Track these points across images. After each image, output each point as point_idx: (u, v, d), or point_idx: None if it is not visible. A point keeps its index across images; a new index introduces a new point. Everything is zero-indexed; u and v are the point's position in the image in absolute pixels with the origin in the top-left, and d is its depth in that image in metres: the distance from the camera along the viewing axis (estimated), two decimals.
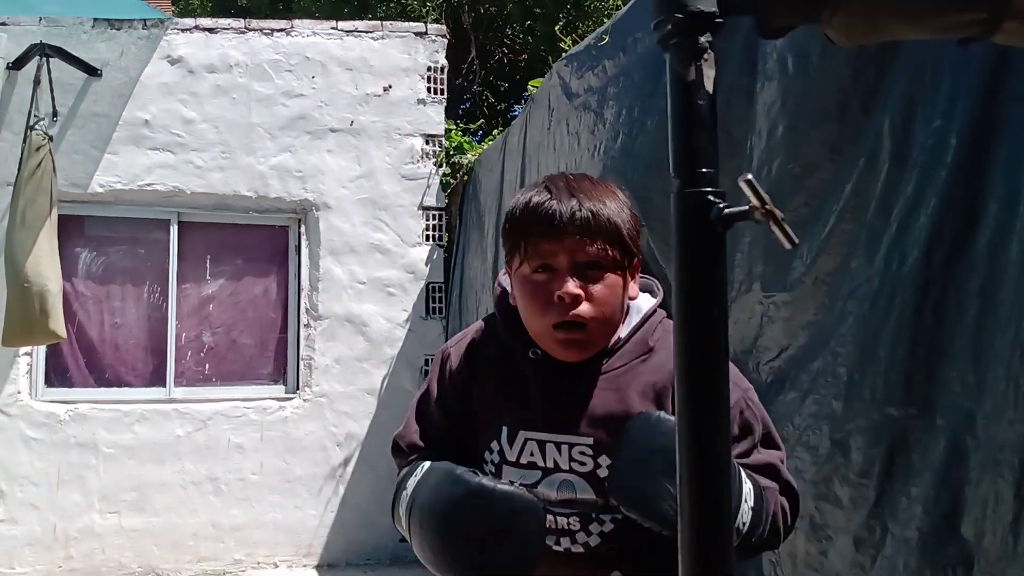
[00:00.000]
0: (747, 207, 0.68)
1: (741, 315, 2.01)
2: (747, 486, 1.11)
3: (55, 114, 4.51)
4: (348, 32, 5.17)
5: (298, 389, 5.00)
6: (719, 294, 0.74)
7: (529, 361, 1.24)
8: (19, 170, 4.15)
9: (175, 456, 4.70)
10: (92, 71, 4.67)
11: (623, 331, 1.24)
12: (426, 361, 5.19)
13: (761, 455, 1.19)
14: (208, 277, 5.02)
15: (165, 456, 4.68)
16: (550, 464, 1.21)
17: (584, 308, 1.16)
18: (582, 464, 1.20)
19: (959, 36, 0.66)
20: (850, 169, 1.66)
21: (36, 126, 4.24)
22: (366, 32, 5.20)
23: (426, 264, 5.21)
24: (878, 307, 1.55)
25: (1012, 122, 1.31)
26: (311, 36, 5.10)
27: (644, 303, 1.28)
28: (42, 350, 4.63)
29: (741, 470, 1.12)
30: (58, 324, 4.06)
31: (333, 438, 4.96)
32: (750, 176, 0.66)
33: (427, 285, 5.20)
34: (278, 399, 4.95)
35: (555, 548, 1.20)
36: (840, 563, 1.60)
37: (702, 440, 0.76)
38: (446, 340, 5.28)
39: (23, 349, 4.50)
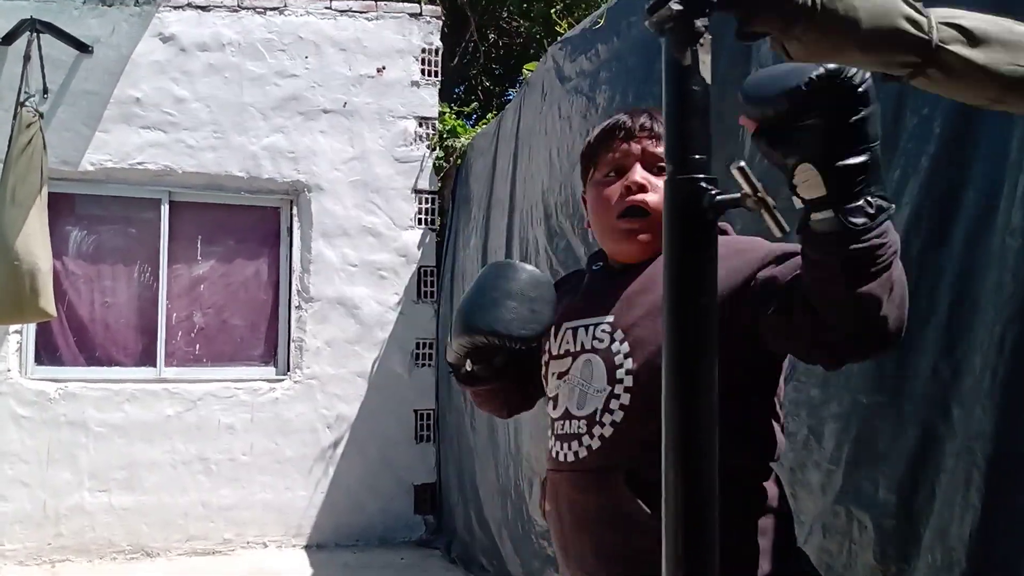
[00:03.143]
0: (739, 194, 0.69)
1: None
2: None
3: (45, 91, 4.47)
4: (342, 12, 5.13)
5: (289, 371, 5.00)
6: (709, 281, 0.75)
7: (592, 273, 1.36)
8: (9, 147, 4.11)
9: (165, 436, 4.70)
10: (83, 48, 4.62)
11: None
12: (417, 344, 5.19)
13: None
14: (199, 257, 5.01)
15: (155, 435, 4.68)
16: (577, 347, 1.28)
17: (649, 196, 1.24)
18: (600, 341, 1.25)
19: (893, 72, 0.76)
20: None
21: (26, 103, 4.20)
22: (360, 12, 5.17)
23: (418, 248, 5.21)
24: None
25: (992, 112, 1.31)
26: (305, 15, 5.06)
27: None
28: (32, 328, 4.61)
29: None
30: (48, 302, 4.04)
31: (323, 420, 4.97)
32: (743, 163, 0.66)
33: (419, 269, 5.20)
34: (269, 381, 4.95)
35: (564, 455, 1.25)
36: (809, 549, 1.62)
37: (690, 424, 0.76)
38: (437, 324, 5.30)
39: (13, 327, 4.48)
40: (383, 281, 5.12)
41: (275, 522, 4.87)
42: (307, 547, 4.88)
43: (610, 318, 1.24)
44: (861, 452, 1.52)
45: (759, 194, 0.66)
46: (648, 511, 1.10)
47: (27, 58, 4.37)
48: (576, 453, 1.22)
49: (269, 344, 5.08)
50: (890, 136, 1.53)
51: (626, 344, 1.20)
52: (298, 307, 5.01)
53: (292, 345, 5.00)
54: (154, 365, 4.82)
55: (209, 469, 4.76)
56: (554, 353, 1.32)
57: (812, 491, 1.63)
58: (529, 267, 1.33)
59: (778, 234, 0.70)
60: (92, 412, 4.60)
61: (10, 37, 4.45)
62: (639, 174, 1.25)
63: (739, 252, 1.15)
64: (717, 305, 0.75)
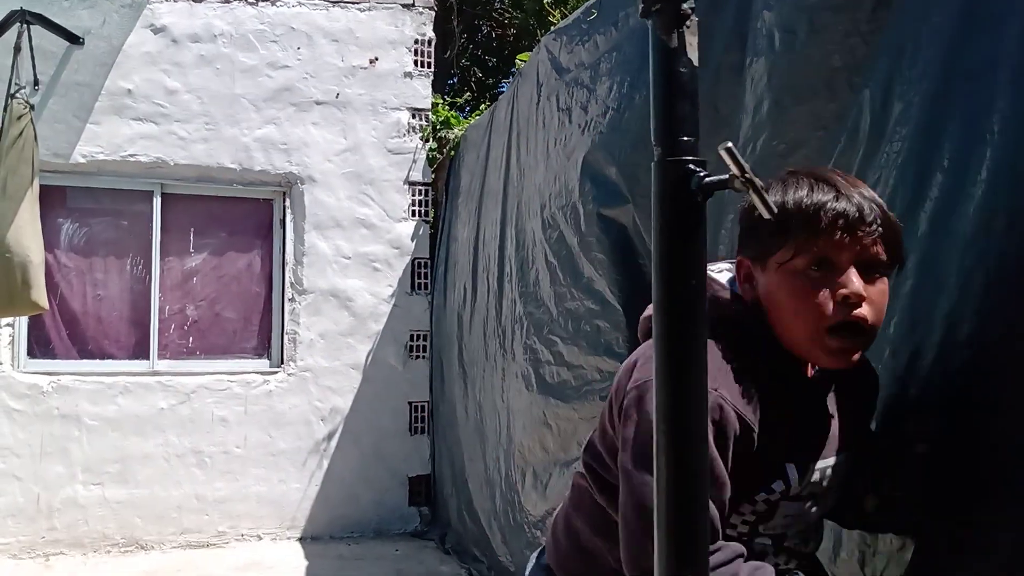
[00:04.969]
0: (727, 176, 0.69)
1: None
2: None
3: (36, 82, 4.45)
4: (334, 3, 5.11)
5: (282, 363, 4.99)
6: (698, 263, 0.75)
7: (807, 382, 1.16)
8: (0, 139, 4.09)
9: (158, 429, 4.69)
10: (74, 39, 4.60)
11: None
12: (411, 336, 5.19)
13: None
14: (192, 250, 4.99)
15: (148, 429, 4.68)
16: (818, 488, 1.17)
17: (867, 311, 1.07)
18: (826, 480, 1.18)
19: None
20: (833, 145, 1.67)
21: (17, 94, 4.17)
22: (352, 3, 5.15)
23: (412, 239, 5.20)
24: None
25: (964, 96, 1.32)
26: (297, 6, 5.04)
27: None
28: (24, 321, 4.60)
29: None
30: (40, 295, 4.03)
31: (317, 412, 4.97)
32: (730, 144, 0.66)
33: (412, 261, 5.19)
34: (262, 373, 4.94)
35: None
36: None
37: (679, 408, 0.76)
38: (431, 317, 5.29)
39: (5, 320, 4.47)
40: (376, 273, 5.12)
41: (269, 514, 4.87)
42: (301, 539, 4.89)
43: (843, 455, 1.19)
44: None
45: (747, 175, 0.66)
46: None
47: (17, 49, 4.34)
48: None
49: (262, 336, 5.08)
50: (878, 122, 1.53)
51: (832, 489, 1.20)
52: (291, 299, 5.00)
53: (285, 337, 5.00)
54: (147, 358, 4.81)
55: (203, 462, 4.76)
56: (792, 494, 1.14)
57: None
58: None
59: (766, 215, 0.70)
60: (85, 405, 4.59)
61: (0, 28, 4.42)
62: (859, 284, 1.06)
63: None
64: (705, 285, 0.75)
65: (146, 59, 4.76)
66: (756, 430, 1.08)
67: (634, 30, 2.72)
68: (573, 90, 3.16)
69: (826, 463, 1.16)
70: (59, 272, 4.73)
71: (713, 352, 1.08)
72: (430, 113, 5.26)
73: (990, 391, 1.18)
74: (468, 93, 6.64)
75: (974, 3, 1.34)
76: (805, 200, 1.07)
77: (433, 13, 5.36)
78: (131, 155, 4.73)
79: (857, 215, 1.05)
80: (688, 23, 0.69)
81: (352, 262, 5.07)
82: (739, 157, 0.66)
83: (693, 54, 0.69)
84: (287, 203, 5.05)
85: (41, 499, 4.50)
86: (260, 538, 4.85)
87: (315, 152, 5.02)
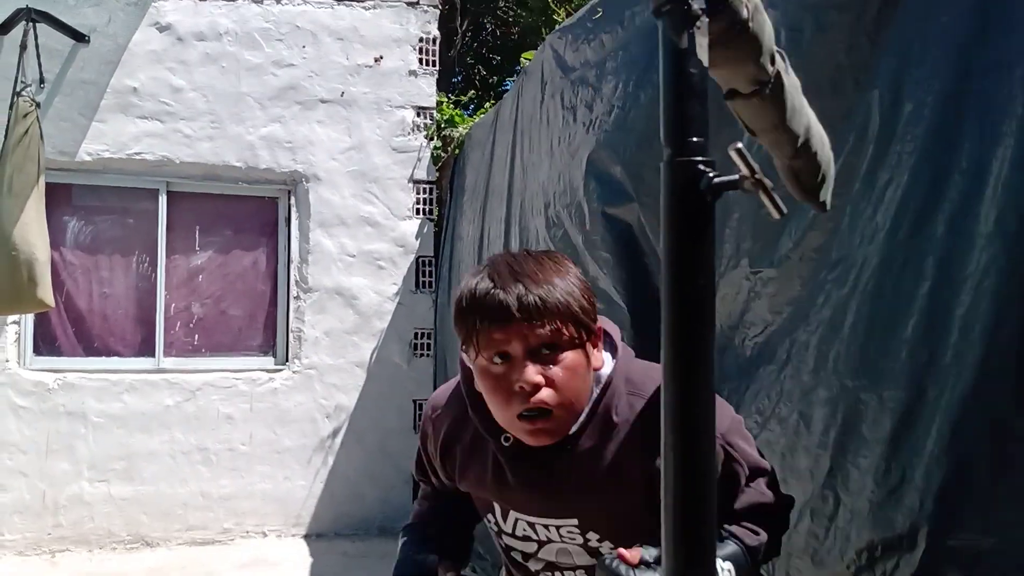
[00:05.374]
0: (737, 176, 0.69)
1: (728, 291, 2.01)
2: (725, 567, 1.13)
3: (42, 80, 4.46)
4: (339, 1, 5.11)
5: (287, 361, 5.00)
6: (707, 264, 0.75)
7: (503, 448, 1.22)
8: (6, 137, 4.10)
9: (164, 426, 4.71)
10: (79, 37, 4.61)
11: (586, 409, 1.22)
12: (416, 334, 5.19)
13: (746, 495, 1.21)
14: (197, 248, 5.00)
15: (154, 426, 4.69)
16: (543, 538, 1.27)
17: (546, 394, 1.13)
18: (572, 539, 1.25)
19: (740, 88, 0.83)
20: (841, 145, 1.66)
21: (23, 92, 4.18)
22: (357, 1, 5.15)
23: (416, 238, 5.20)
24: (849, 282, 1.57)
25: (980, 96, 1.31)
26: (302, 5, 5.04)
27: (604, 369, 1.24)
28: (30, 318, 4.61)
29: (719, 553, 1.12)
30: (46, 293, 4.04)
31: (322, 410, 4.98)
32: (740, 145, 0.66)
33: (417, 259, 5.19)
34: (267, 371, 4.95)
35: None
36: (797, 536, 1.63)
37: (688, 409, 0.76)
38: (435, 315, 5.30)
39: (11, 318, 4.48)
40: (381, 271, 5.12)
41: (274, 512, 4.88)
42: (306, 536, 4.90)
43: (574, 520, 1.24)
44: (846, 436, 1.54)
45: (757, 176, 0.66)
46: None
47: (23, 47, 4.35)
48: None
49: (268, 334, 5.08)
50: (888, 122, 1.53)
51: (606, 542, 1.24)
52: (296, 297, 5.01)
53: (291, 335, 5.01)
54: (153, 355, 4.82)
55: (208, 459, 4.77)
56: (507, 532, 1.30)
57: (801, 476, 1.64)
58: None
59: (776, 216, 0.70)
60: (91, 402, 4.60)
61: (6, 26, 4.44)
62: (531, 374, 1.12)
63: (626, 443, 1.20)
64: (714, 286, 0.75)
65: (151, 57, 4.77)
66: (448, 456, 1.30)
67: (639, 29, 2.71)
68: (578, 88, 3.15)
69: (539, 520, 1.26)
70: (65, 270, 4.74)
71: (446, 394, 1.34)
72: (435, 111, 5.26)
73: (1010, 392, 1.18)
74: (473, 91, 6.64)
75: (988, 3, 1.33)
76: (470, 290, 1.15)
77: (438, 11, 5.36)
78: (136, 153, 4.74)
79: (503, 306, 1.10)
80: (698, 23, 0.69)
81: (357, 260, 5.08)
82: (749, 158, 0.66)
83: (703, 55, 0.69)
84: (292, 201, 5.06)
85: (47, 496, 4.52)
86: (265, 535, 4.86)
87: (320, 150, 5.02)
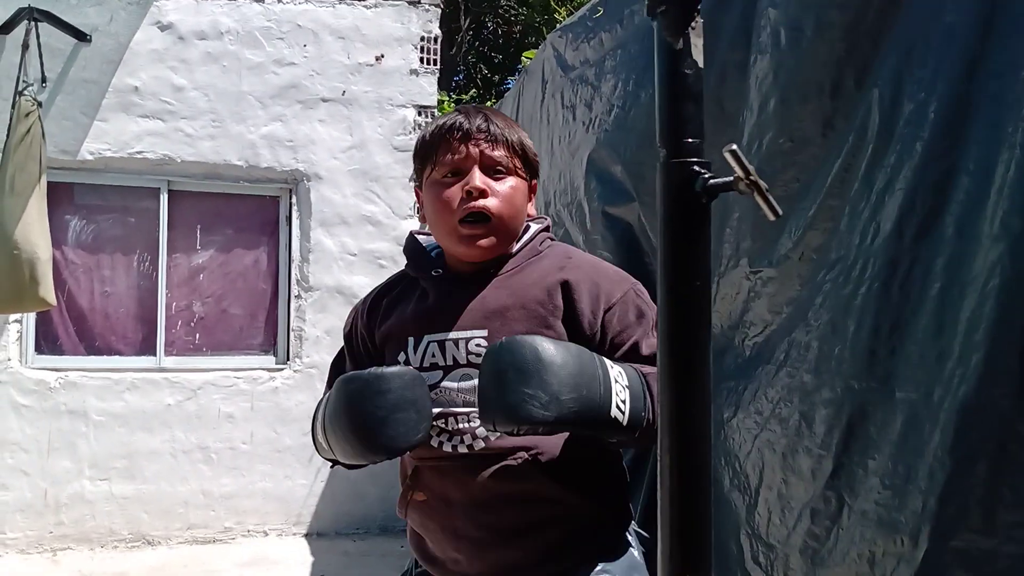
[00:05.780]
0: (732, 178, 0.69)
1: (728, 290, 2.01)
2: (615, 371, 1.16)
3: (44, 80, 4.46)
4: (340, 0, 5.11)
5: (288, 360, 5.01)
6: (703, 265, 0.75)
7: (432, 279, 1.34)
8: (8, 136, 4.11)
9: (165, 425, 4.71)
10: (81, 36, 4.61)
11: (516, 246, 1.34)
12: None
13: (652, 340, 1.26)
14: (198, 246, 5.00)
15: (155, 424, 4.69)
16: (449, 361, 1.29)
17: (489, 201, 1.27)
18: (478, 356, 1.25)
19: None
20: (840, 144, 1.66)
21: (25, 92, 4.19)
22: (359, 0, 5.15)
23: None
24: (850, 282, 1.57)
25: (988, 97, 1.31)
26: (303, 3, 5.04)
27: (535, 226, 1.39)
28: (32, 317, 4.62)
29: (608, 362, 1.17)
30: (48, 291, 4.04)
31: None
32: (734, 146, 0.66)
33: None
34: (268, 370, 4.96)
35: (454, 446, 1.27)
36: (796, 536, 1.63)
37: (684, 409, 0.76)
38: None
39: (13, 316, 4.49)
40: (382, 270, 5.12)
41: (275, 510, 4.89)
42: (307, 535, 4.91)
43: (483, 331, 1.26)
44: (851, 438, 1.53)
45: (751, 177, 0.66)
46: (554, 487, 1.24)
47: (25, 47, 4.35)
48: (470, 446, 1.26)
49: (269, 333, 5.09)
50: (887, 122, 1.53)
51: None
52: (297, 296, 5.01)
53: (292, 334, 5.01)
54: (154, 354, 4.83)
55: (209, 458, 4.78)
56: (415, 366, 1.29)
57: (802, 476, 1.64)
58: (395, 369, 1.21)
59: (771, 217, 0.70)
60: (92, 401, 4.61)
61: (8, 26, 4.44)
62: (479, 179, 1.27)
63: (550, 266, 1.31)
64: (710, 287, 0.75)
65: (153, 56, 4.77)
66: (377, 317, 1.38)
67: (640, 28, 2.71)
68: (578, 87, 3.15)
69: (450, 336, 1.29)
70: (66, 269, 4.74)
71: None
72: (436, 110, 5.26)
73: (1014, 393, 1.17)
74: (474, 90, 6.64)
75: (996, 3, 1.33)
76: (436, 123, 1.33)
77: (439, 10, 5.36)
78: (138, 152, 4.74)
79: (467, 124, 1.28)
80: (694, 24, 0.69)
81: (358, 259, 5.08)
82: (743, 159, 0.66)
83: (698, 55, 0.69)
84: (293, 200, 5.06)
85: (48, 494, 4.53)
86: (266, 534, 4.86)
87: (321, 149, 5.02)
